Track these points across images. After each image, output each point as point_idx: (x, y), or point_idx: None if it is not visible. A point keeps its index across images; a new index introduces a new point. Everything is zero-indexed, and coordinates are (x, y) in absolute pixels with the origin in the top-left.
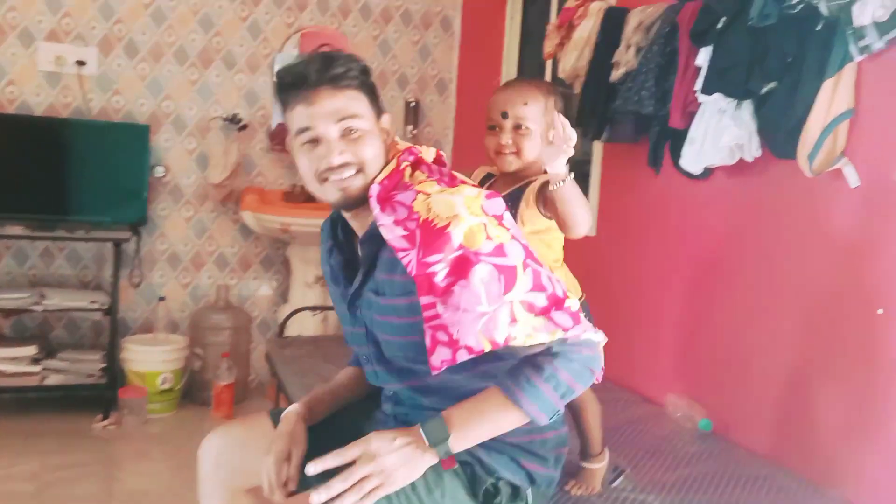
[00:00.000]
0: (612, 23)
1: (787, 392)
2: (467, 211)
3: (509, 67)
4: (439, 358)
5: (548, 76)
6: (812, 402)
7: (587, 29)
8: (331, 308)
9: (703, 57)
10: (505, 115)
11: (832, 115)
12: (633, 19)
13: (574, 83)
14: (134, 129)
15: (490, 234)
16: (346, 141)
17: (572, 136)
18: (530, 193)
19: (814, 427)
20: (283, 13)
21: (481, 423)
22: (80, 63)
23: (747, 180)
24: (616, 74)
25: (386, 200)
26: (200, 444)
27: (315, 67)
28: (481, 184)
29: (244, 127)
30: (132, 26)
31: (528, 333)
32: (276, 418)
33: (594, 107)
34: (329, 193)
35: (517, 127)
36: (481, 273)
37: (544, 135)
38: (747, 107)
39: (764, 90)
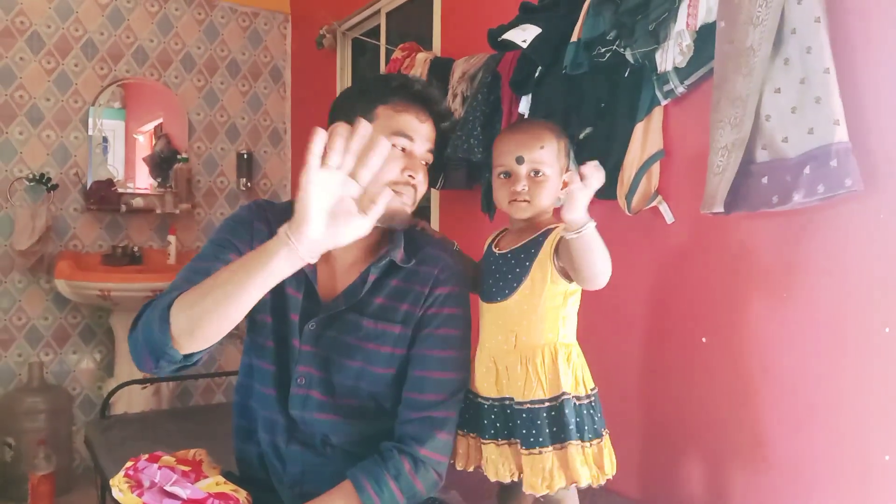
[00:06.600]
0: (439, 72)
1: (635, 428)
2: None
3: None
4: None
5: None
6: (657, 435)
7: None
8: (161, 380)
9: (525, 105)
10: (520, 161)
11: (645, 157)
12: (458, 69)
13: None
14: None
15: None
16: (421, 166)
17: (600, 175)
18: (550, 245)
19: (669, 463)
20: (96, 64)
21: None
22: None
23: None
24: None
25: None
26: None
27: (439, 99)
28: (492, 243)
29: (54, 187)
30: None
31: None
32: None
33: None
34: (391, 200)
35: (534, 173)
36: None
37: (558, 181)
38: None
39: (582, 135)
